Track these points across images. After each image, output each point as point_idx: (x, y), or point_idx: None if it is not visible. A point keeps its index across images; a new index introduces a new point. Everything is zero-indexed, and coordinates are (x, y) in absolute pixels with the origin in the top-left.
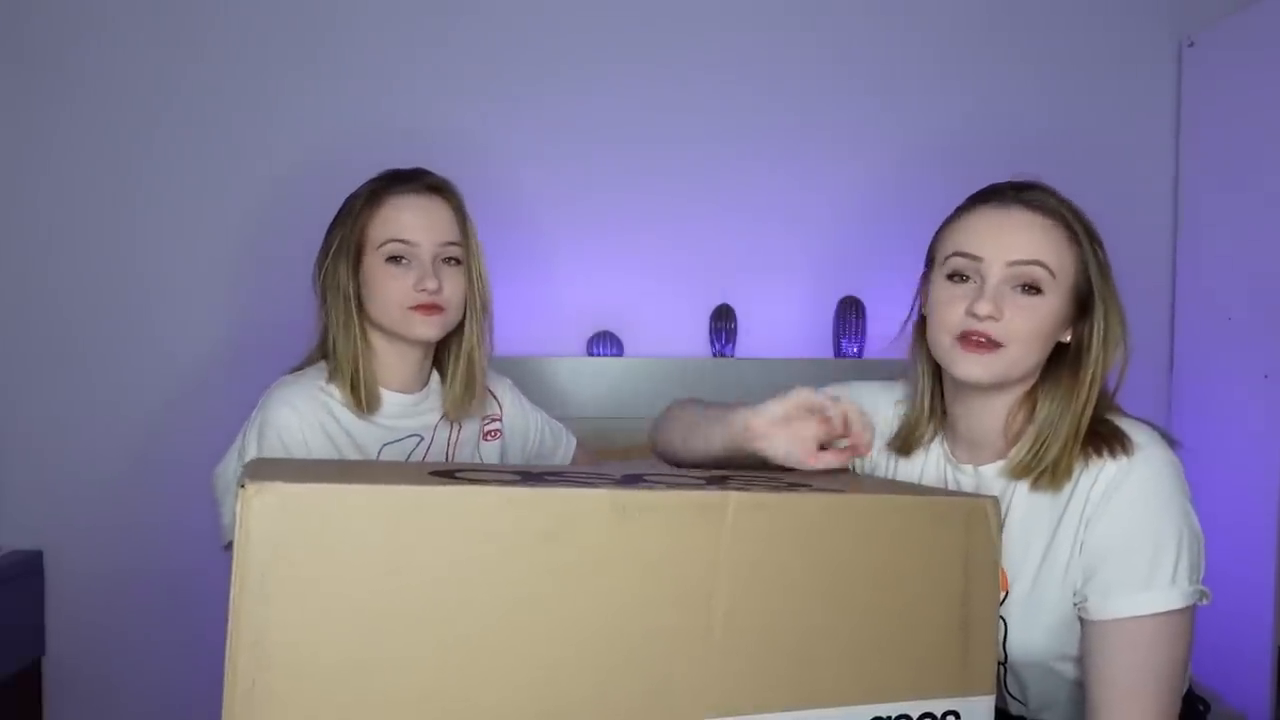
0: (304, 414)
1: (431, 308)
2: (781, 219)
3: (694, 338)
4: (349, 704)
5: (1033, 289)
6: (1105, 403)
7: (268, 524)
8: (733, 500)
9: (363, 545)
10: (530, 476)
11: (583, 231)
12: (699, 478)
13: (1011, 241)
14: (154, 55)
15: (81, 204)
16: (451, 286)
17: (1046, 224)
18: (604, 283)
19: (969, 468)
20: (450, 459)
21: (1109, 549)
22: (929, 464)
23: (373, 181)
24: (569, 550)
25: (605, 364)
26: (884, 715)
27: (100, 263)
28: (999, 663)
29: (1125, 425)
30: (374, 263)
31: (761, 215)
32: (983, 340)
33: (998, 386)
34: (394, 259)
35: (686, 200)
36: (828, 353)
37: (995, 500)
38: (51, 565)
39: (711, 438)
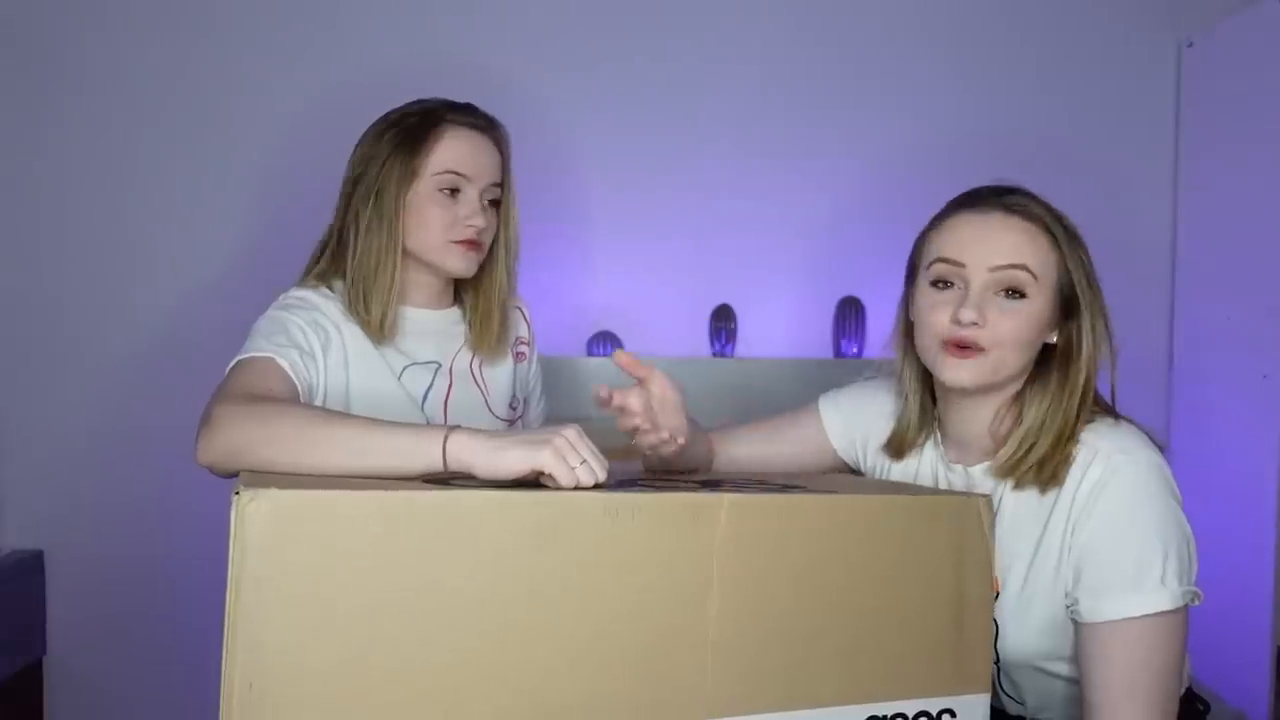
0: (331, 317)
1: (473, 244)
2: (783, 218)
3: (694, 338)
4: (345, 706)
5: (1016, 293)
6: (1095, 402)
7: (263, 531)
8: (726, 502)
9: (356, 550)
10: (523, 481)
11: (582, 231)
12: (692, 480)
13: (994, 247)
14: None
15: (83, 198)
16: (489, 227)
17: (1028, 228)
18: (604, 282)
19: (959, 468)
20: (480, 383)
21: (1096, 551)
22: (923, 465)
23: (425, 103)
24: (561, 554)
25: (605, 364)
26: (880, 714)
27: (102, 260)
28: (993, 663)
29: (1111, 426)
30: (425, 190)
31: (763, 214)
32: (968, 346)
33: (984, 390)
34: (448, 190)
35: (687, 199)
36: (828, 353)
37: (988, 498)
38: (52, 565)
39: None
